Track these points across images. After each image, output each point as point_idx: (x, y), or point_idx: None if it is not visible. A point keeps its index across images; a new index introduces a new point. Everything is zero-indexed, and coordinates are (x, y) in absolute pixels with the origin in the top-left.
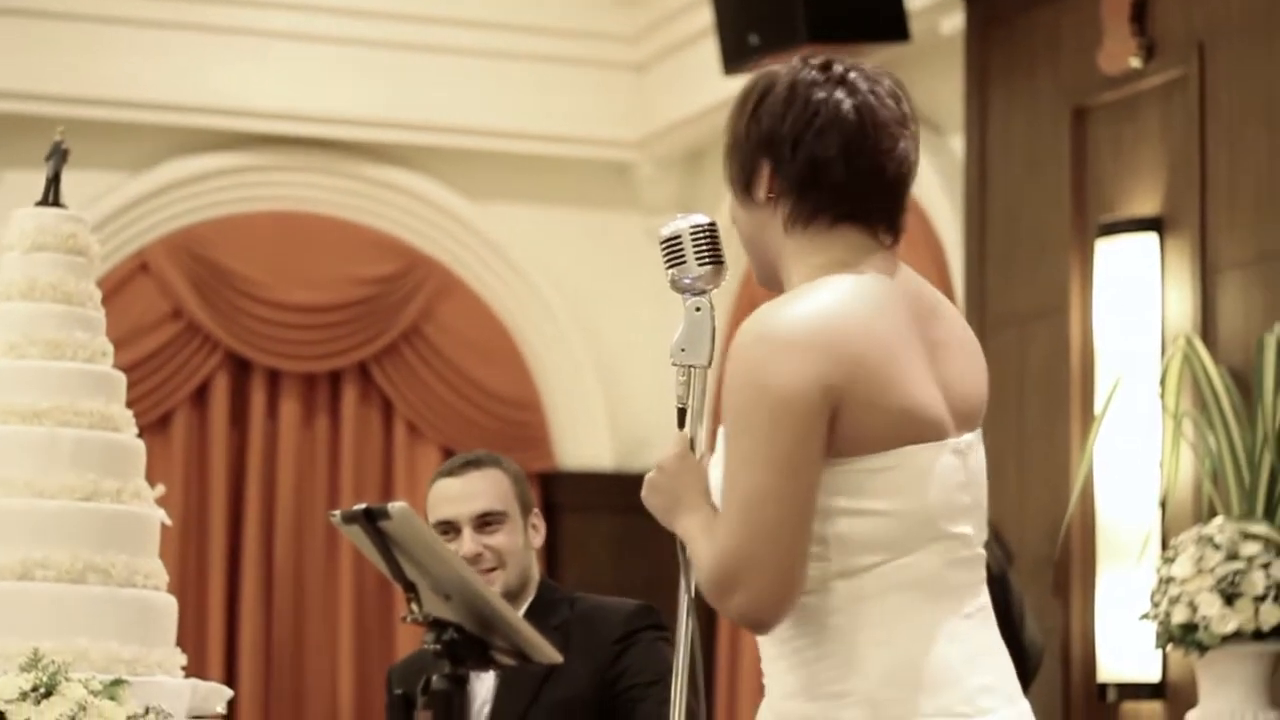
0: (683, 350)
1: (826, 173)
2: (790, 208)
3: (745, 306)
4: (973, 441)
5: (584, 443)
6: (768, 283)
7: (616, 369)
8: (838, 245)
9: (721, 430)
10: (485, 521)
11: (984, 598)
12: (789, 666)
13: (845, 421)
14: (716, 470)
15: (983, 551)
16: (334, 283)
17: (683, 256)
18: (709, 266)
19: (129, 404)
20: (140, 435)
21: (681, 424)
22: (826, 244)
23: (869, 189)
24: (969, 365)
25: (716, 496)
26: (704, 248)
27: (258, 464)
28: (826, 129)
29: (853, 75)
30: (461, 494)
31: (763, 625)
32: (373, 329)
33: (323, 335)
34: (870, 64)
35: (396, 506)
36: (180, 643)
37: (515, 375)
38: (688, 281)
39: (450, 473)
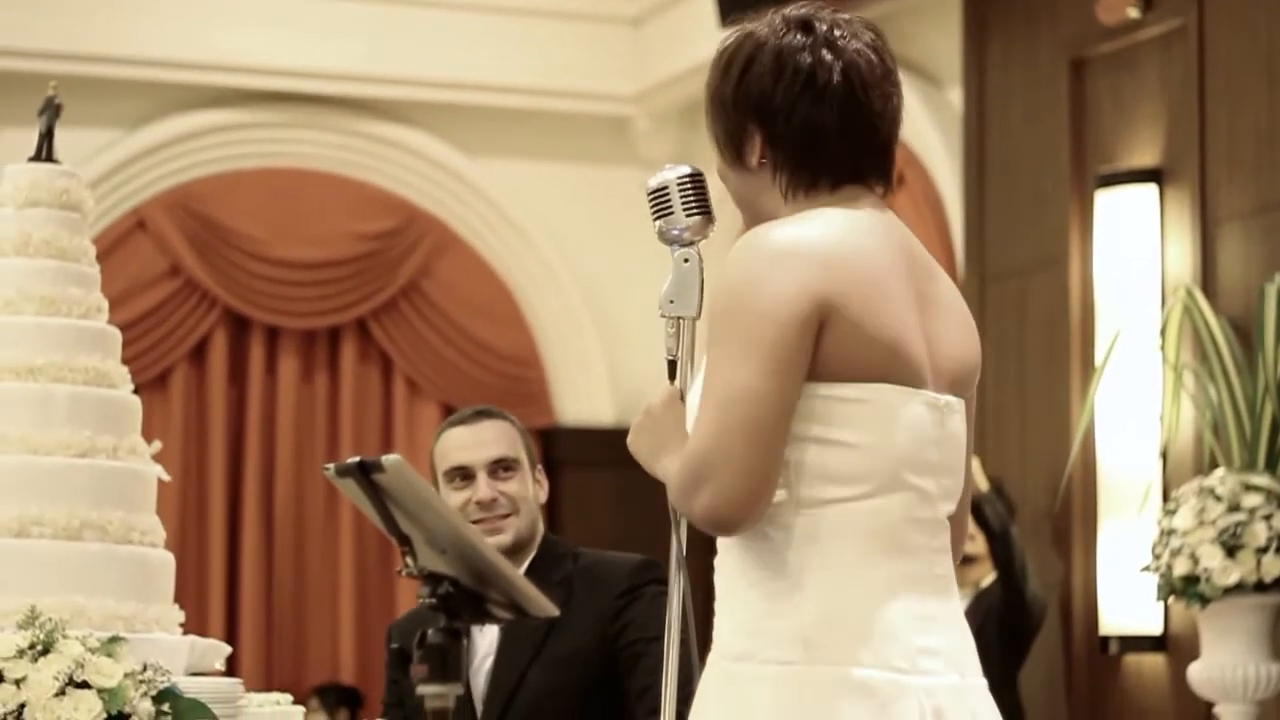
0: (671, 302)
1: (823, 140)
2: (789, 177)
3: None
4: (953, 404)
5: (583, 398)
6: None
7: (615, 324)
8: (838, 200)
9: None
10: (500, 467)
11: (945, 568)
12: (739, 603)
13: (829, 340)
14: (696, 395)
15: (944, 519)
16: (332, 239)
17: (670, 208)
18: (696, 217)
19: (127, 362)
20: (138, 393)
21: (672, 376)
22: (829, 201)
23: (864, 152)
24: (960, 331)
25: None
26: (691, 199)
27: (257, 421)
28: (819, 99)
29: (836, 33)
30: (475, 441)
31: (729, 525)
32: (371, 285)
33: (321, 292)
34: (847, 14)
35: (390, 459)
36: (181, 600)
37: (514, 331)
38: (675, 233)
39: (462, 422)
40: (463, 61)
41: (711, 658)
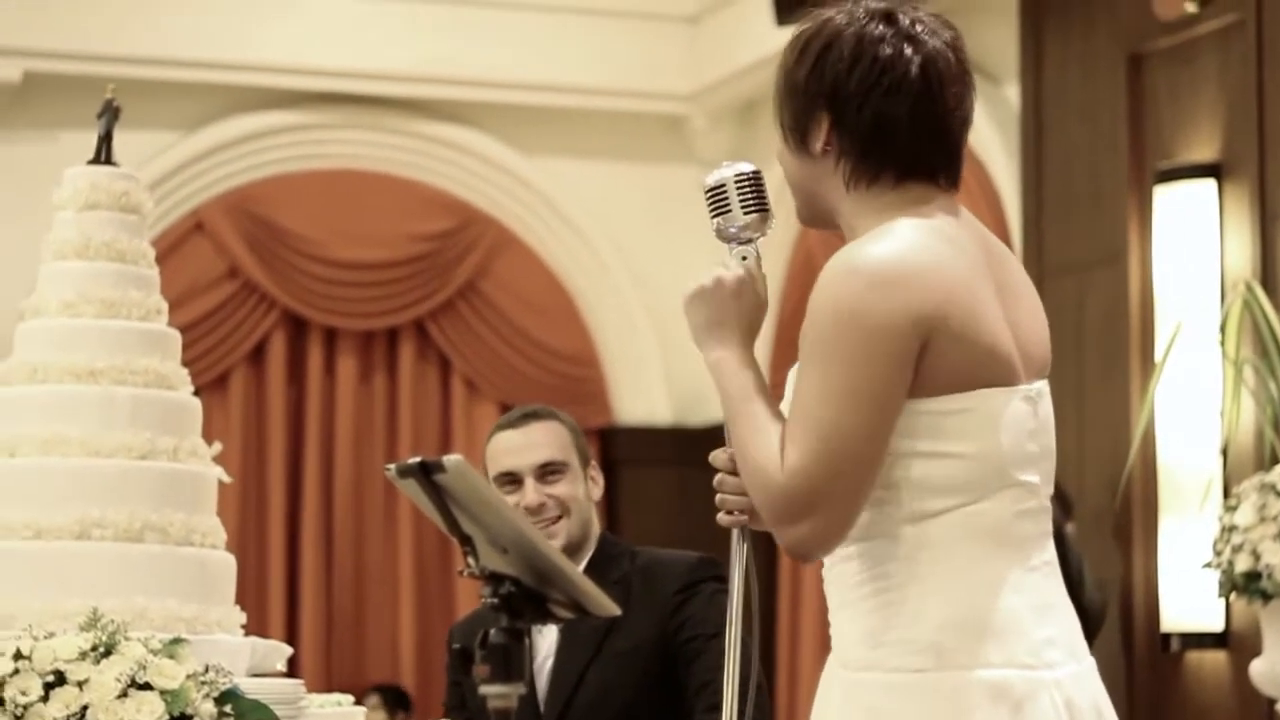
0: None
1: (892, 134)
2: (853, 166)
3: (800, 257)
4: (1042, 390)
5: (641, 397)
6: (812, 220)
7: (672, 323)
8: (903, 197)
9: (799, 365)
10: (547, 471)
11: (1050, 552)
12: (854, 615)
13: (930, 358)
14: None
15: (1049, 503)
16: (390, 240)
17: (728, 205)
18: (754, 215)
19: (186, 363)
20: (198, 394)
21: None
22: (892, 197)
23: (933, 148)
24: (1034, 311)
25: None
26: (749, 196)
27: (316, 422)
28: (894, 90)
29: (918, 29)
30: (523, 445)
31: (813, 557)
32: (429, 286)
33: (379, 293)
34: (929, 13)
35: (451, 459)
36: (241, 601)
37: (572, 331)
38: (733, 230)
39: (510, 425)
40: (519, 61)
41: (832, 665)
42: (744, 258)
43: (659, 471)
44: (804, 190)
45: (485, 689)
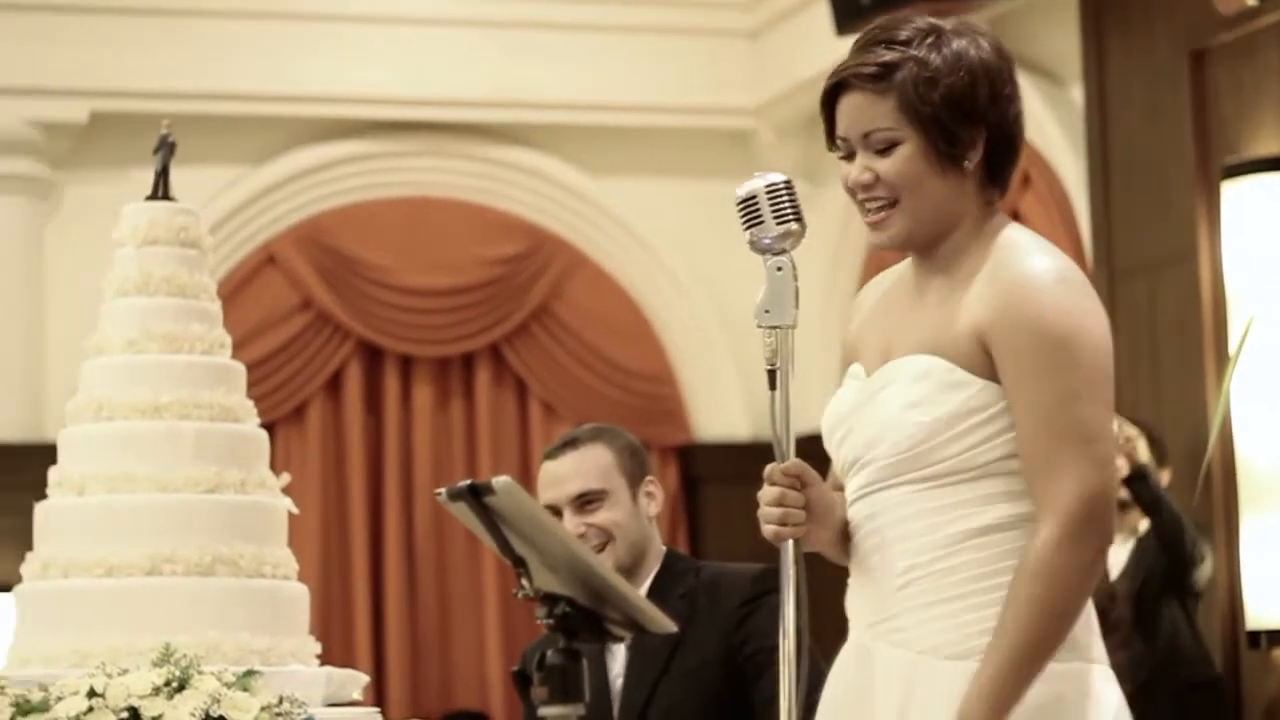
0: (767, 312)
1: (1019, 146)
2: (992, 177)
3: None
4: None
5: (719, 414)
6: (911, 242)
7: (747, 338)
8: (999, 206)
9: (1013, 359)
10: (583, 502)
11: None
12: (972, 605)
13: None
14: (900, 394)
15: None
16: (461, 265)
17: (760, 216)
18: (788, 224)
19: (263, 396)
20: (276, 426)
21: (773, 385)
22: (998, 205)
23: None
24: None
25: (896, 420)
26: (783, 206)
27: (394, 450)
28: (1020, 105)
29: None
30: (556, 477)
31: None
32: (503, 310)
33: (453, 319)
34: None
35: (501, 481)
36: (325, 630)
37: (647, 349)
38: (767, 241)
39: (549, 455)
40: (583, 82)
41: (916, 660)
42: (779, 269)
43: (739, 487)
44: (940, 208)
45: (544, 710)
